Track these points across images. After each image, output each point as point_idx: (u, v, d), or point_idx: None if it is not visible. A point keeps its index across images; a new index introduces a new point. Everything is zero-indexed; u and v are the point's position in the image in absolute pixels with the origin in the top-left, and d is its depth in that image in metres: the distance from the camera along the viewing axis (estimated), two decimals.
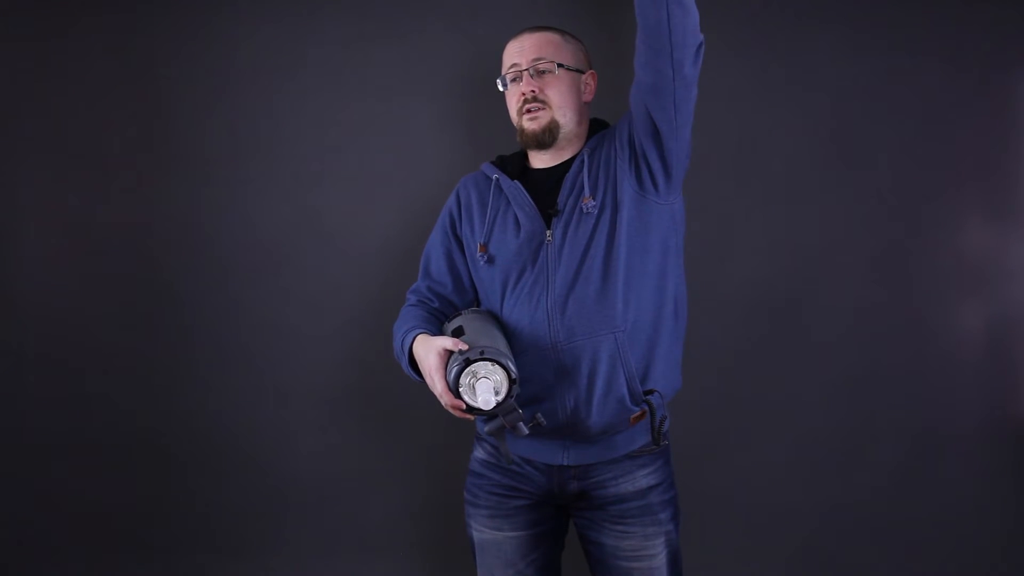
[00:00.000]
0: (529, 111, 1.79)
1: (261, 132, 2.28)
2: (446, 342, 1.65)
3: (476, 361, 1.58)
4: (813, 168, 2.24)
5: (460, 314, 1.80)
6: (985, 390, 2.28)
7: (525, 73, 1.79)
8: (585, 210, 1.73)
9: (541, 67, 1.78)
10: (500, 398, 1.58)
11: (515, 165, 1.87)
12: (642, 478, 1.78)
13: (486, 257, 1.79)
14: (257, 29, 2.25)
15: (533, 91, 1.78)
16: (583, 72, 1.83)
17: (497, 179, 1.84)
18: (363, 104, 2.26)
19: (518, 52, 1.81)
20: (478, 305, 1.89)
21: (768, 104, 2.23)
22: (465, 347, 1.61)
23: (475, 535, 1.87)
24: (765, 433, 2.29)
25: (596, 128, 1.88)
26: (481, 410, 1.59)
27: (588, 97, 1.85)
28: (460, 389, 1.59)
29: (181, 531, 2.36)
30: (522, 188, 1.80)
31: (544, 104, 1.78)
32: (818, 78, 2.22)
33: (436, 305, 1.88)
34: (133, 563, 2.36)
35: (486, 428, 1.64)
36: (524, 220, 1.77)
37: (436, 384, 1.64)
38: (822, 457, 2.29)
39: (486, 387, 1.57)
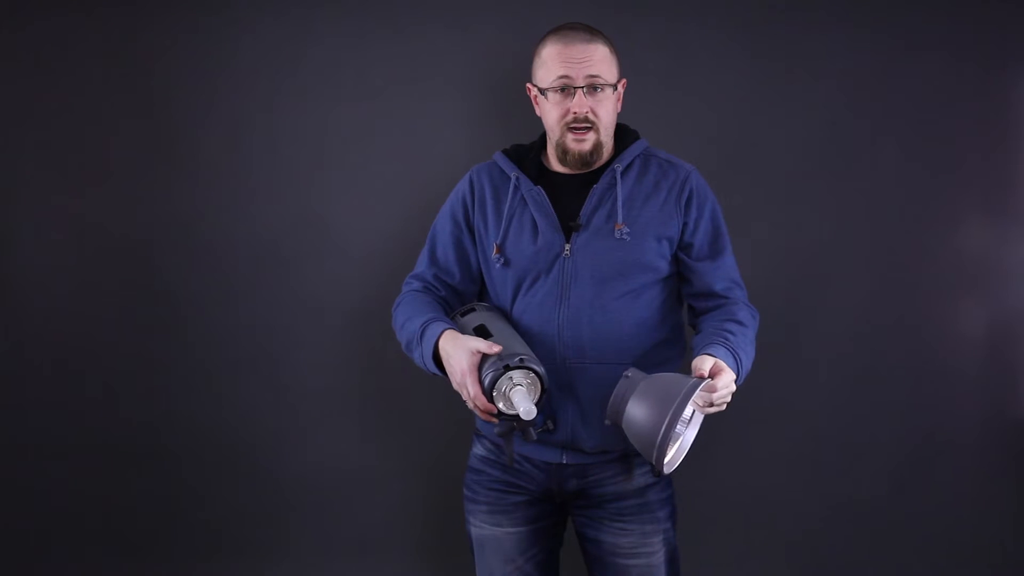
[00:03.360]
0: (576, 130, 1.71)
1: (261, 132, 2.27)
2: (480, 344, 1.62)
3: (515, 368, 1.57)
4: (813, 168, 2.24)
5: (475, 309, 1.78)
6: (984, 390, 2.28)
7: (579, 91, 1.68)
8: (618, 236, 1.71)
9: (597, 85, 1.69)
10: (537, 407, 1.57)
11: (533, 163, 1.81)
12: (640, 476, 1.78)
13: (502, 260, 1.76)
14: (257, 28, 2.25)
15: (587, 112, 1.69)
16: (620, 82, 1.77)
17: (517, 179, 1.79)
18: (363, 103, 2.26)
19: (570, 63, 1.68)
20: (480, 298, 1.89)
21: (768, 104, 2.23)
22: (501, 351, 1.60)
23: (474, 531, 1.86)
24: (764, 433, 2.29)
25: (619, 133, 1.82)
26: (507, 415, 1.58)
27: (620, 107, 1.79)
28: (494, 394, 1.58)
29: (181, 531, 2.36)
30: (545, 196, 1.76)
31: (593, 124, 1.71)
32: (818, 77, 2.22)
33: (443, 294, 1.85)
34: (133, 564, 2.36)
35: (496, 430, 1.63)
36: (544, 228, 1.74)
37: (469, 386, 1.61)
38: (821, 457, 2.29)
39: (523, 395, 1.56)
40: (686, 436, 1.63)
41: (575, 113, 1.69)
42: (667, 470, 1.59)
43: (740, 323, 1.72)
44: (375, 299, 2.23)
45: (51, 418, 2.33)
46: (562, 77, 1.69)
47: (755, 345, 1.74)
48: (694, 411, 1.62)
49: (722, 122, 2.23)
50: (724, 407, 1.59)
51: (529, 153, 1.84)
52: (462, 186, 1.86)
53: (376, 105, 2.26)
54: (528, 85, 1.79)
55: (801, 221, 2.25)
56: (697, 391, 1.51)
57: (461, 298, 1.86)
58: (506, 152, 1.85)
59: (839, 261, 2.25)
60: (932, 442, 2.28)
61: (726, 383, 1.57)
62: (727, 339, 1.67)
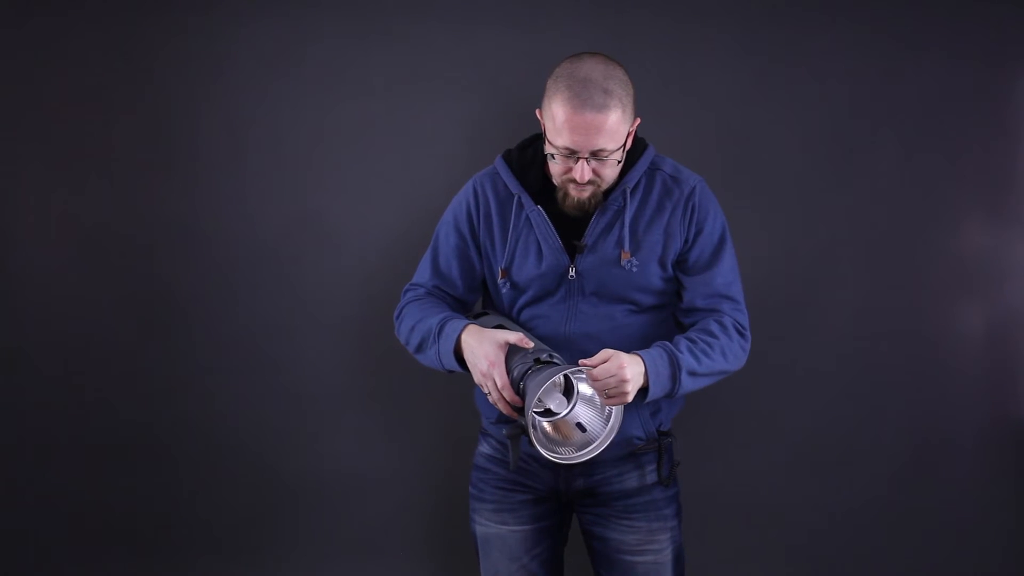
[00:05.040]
0: (578, 184, 1.67)
1: (261, 132, 2.27)
2: (510, 336, 1.61)
3: (544, 364, 1.56)
4: (813, 168, 2.24)
5: (487, 313, 1.78)
6: (985, 391, 2.28)
7: (583, 160, 1.63)
8: (626, 267, 1.70)
9: (602, 156, 1.63)
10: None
11: (536, 175, 1.76)
12: (646, 474, 1.79)
13: (508, 284, 1.76)
14: (257, 28, 2.25)
15: (589, 177, 1.65)
16: (632, 125, 1.69)
17: (519, 198, 1.75)
18: (363, 104, 2.26)
19: (577, 134, 1.60)
20: (483, 305, 1.89)
21: (768, 104, 2.23)
22: (531, 345, 1.60)
23: (479, 530, 1.86)
24: (765, 434, 2.29)
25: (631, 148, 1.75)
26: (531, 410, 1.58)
27: (629, 144, 1.71)
28: (521, 386, 1.57)
29: (181, 531, 2.36)
30: (546, 217, 1.73)
31: (594, 181, 1.67)
32: (818, 78, 2.22)
33: (447, 302, 1.84)
34: (133, 564, 2.36)
35: (506, 431, 1.61)
36: (547, 252, 1.73)
37: (496, 377, 1.59)
38: (822, 458, 2.29)
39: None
40: (612, 421, 1.60)
41: (577, 178, 1.65)
42: (588, 454, 1.59)
43: (706, 331, 1.69)
44: (375, 299, 2.23)
45: (51, 418, 2.33)
46: (567, 148, 1.63)
47: (730, 356, 1.69)
48: (612, 407, 1.60)
49: (722, 122, 2.23)
50: (625, 396, 1.54)
51: (535, 158, 1.77)
52: (466, 196, 1.81)
53: (376, 105, 2.26)
54: (538, 112, 1.72)
55: (801, 222, 2.25)
56: (556, 376, 1.51)
57: (463, 307, 1.86)
58: (508, 159, 1.79)
59: (839, 262, 2.25)
60: (932, 442, 2.28)
61: (606, 371, 1.53)
62: (676, 342, 1.65)
